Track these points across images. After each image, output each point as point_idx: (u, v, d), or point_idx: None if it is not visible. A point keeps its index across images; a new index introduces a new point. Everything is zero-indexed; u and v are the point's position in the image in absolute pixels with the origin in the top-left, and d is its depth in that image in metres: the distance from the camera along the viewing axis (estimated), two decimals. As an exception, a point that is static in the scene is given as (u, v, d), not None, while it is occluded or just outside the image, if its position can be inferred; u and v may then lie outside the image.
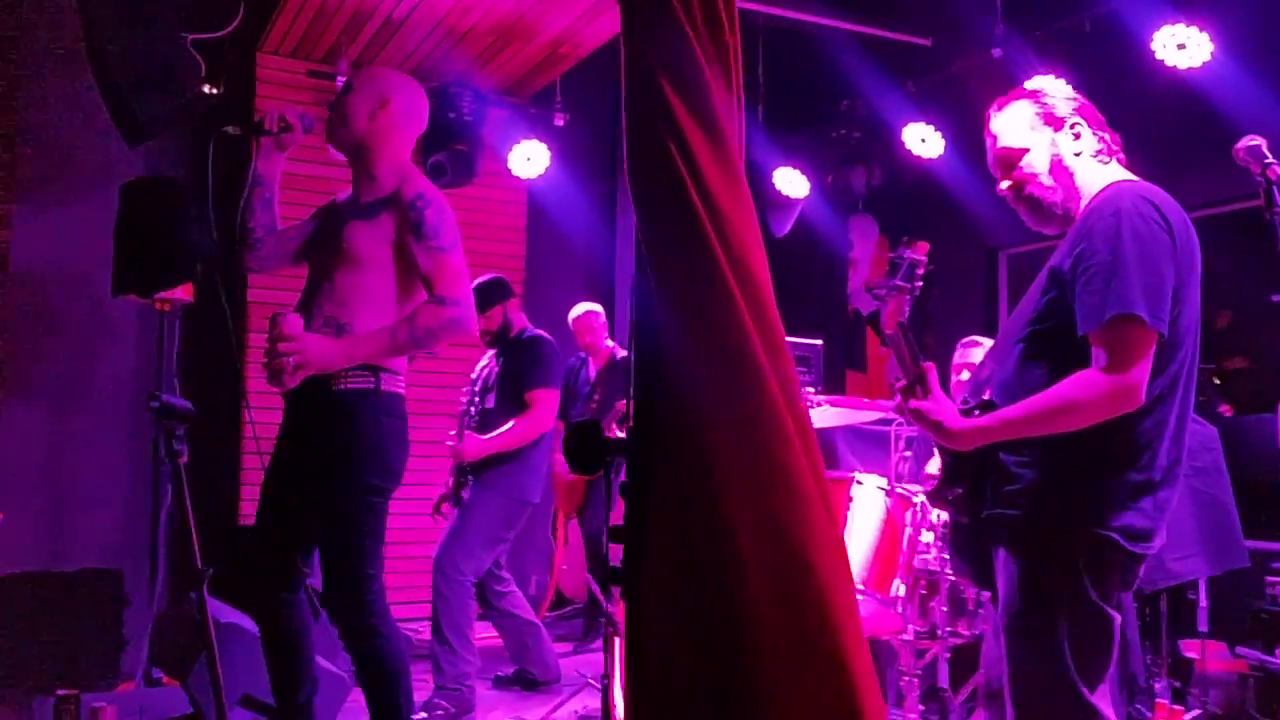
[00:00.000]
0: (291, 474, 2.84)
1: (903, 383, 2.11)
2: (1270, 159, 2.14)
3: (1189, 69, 4.58)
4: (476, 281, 4.31)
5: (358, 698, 3.62)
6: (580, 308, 5.69)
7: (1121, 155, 2.22)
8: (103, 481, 5.24)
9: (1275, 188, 2.12)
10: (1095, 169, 2.17)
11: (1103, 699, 2.01)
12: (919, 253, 2.11)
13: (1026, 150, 2.19)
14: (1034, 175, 2.19)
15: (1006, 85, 5.01)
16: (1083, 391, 1.94)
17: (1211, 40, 4.51)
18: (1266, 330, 5.05)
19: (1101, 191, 2.12)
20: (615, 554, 1.33)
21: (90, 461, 5.21)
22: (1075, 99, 2.24)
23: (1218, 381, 5.09)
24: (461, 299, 2.78)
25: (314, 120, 3.03)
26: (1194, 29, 4.52)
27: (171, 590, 4.24)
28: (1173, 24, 4.56)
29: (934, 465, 3.91)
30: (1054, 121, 2.19)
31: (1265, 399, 4.87)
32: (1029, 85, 2.32)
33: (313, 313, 2.82)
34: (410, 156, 3.06)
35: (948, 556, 3.31)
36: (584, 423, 1.31)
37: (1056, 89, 2.26)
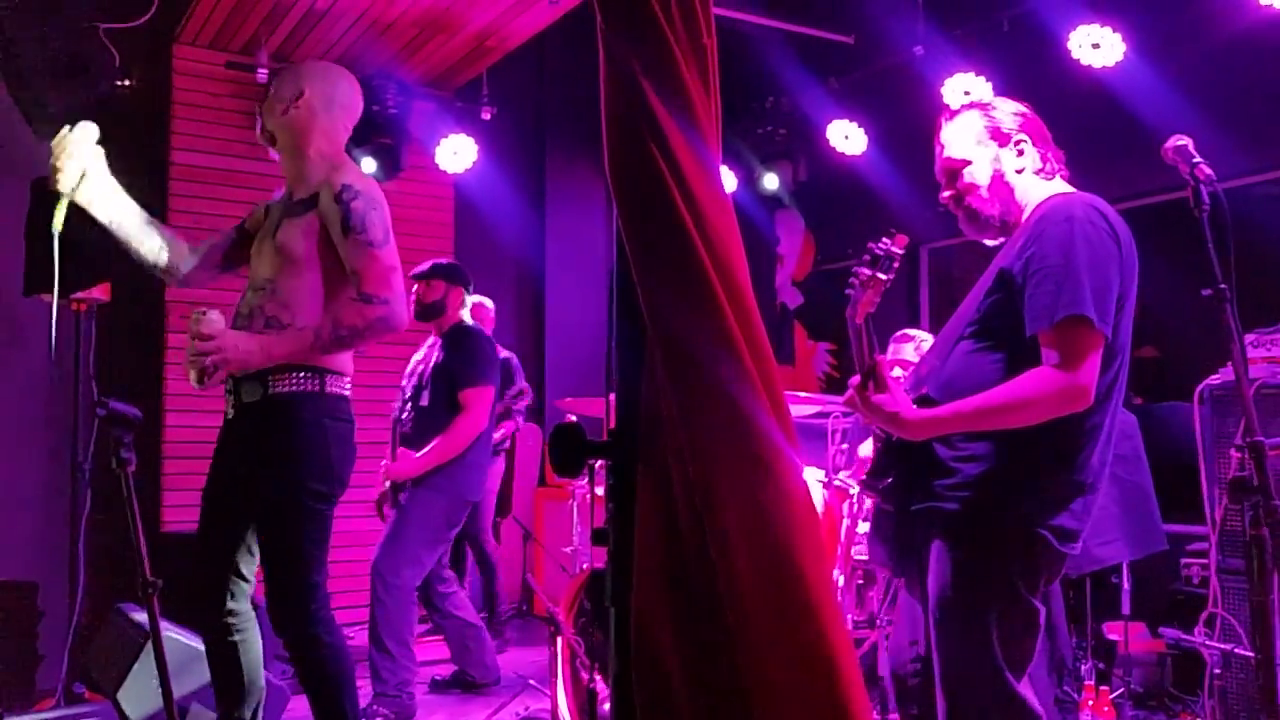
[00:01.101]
0: (233, 481, 2.77)
1: (857, 378, 2.14)
2: (1198, 158, 2.23)
3: (1103, 68, 4.75)
4: (433, 262, 4.29)
5: (297, 706, 3.56)
6: (471, 298, 5.66)
7: (1065, 171, 2.28)
8: (15, 489, 5.03)
9: (1203, 186, 2.21)
10: (1036, 184, 2.24)
11: (1026, 687, 2.09)
12: (898, 245, 2.15)
13: (969, 162, 2.24)
14: (974, 187, 2.24)
15: (927, 83, 5.17)
16: (1035, 389, 1.99)
17: (1124, 40, 4.68)
18: (1174, 322, 5.25)
19: (1049, 200, 2.18)
20: (599, 557, 1.33)
21: (1, 469, 5.00)
22: (1022, 115, 2.29)
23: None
24: (391, 296, 2.69)
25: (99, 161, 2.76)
26: (1108, 29, 4.69)
27: (93, 602, 4.09)
28: (1088, 24, 4.73)
29: (866, 448, 3.98)
30: (1000, 137, 2.24)
31: (1172, 388, 5.07)
32: (978, 100, 2.37)
33: (254, 315, 2.75)
34: (344, 148, 2.96)
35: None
36: (565, 425, 1.31)
37: (1005, 105, 2.30)
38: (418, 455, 4.07)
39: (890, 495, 2.22)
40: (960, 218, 2.30)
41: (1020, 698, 2.06)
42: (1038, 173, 2.24)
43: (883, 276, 2.14)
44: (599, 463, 1.35)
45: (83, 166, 2.72)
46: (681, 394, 1.26)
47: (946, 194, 2.29)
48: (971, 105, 2.32)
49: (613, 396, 1.34)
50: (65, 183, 2.72)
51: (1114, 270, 2.04)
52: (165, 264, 2.94)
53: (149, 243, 2.92)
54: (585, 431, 1.30)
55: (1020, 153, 2.24)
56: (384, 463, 4.15)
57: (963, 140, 2.26)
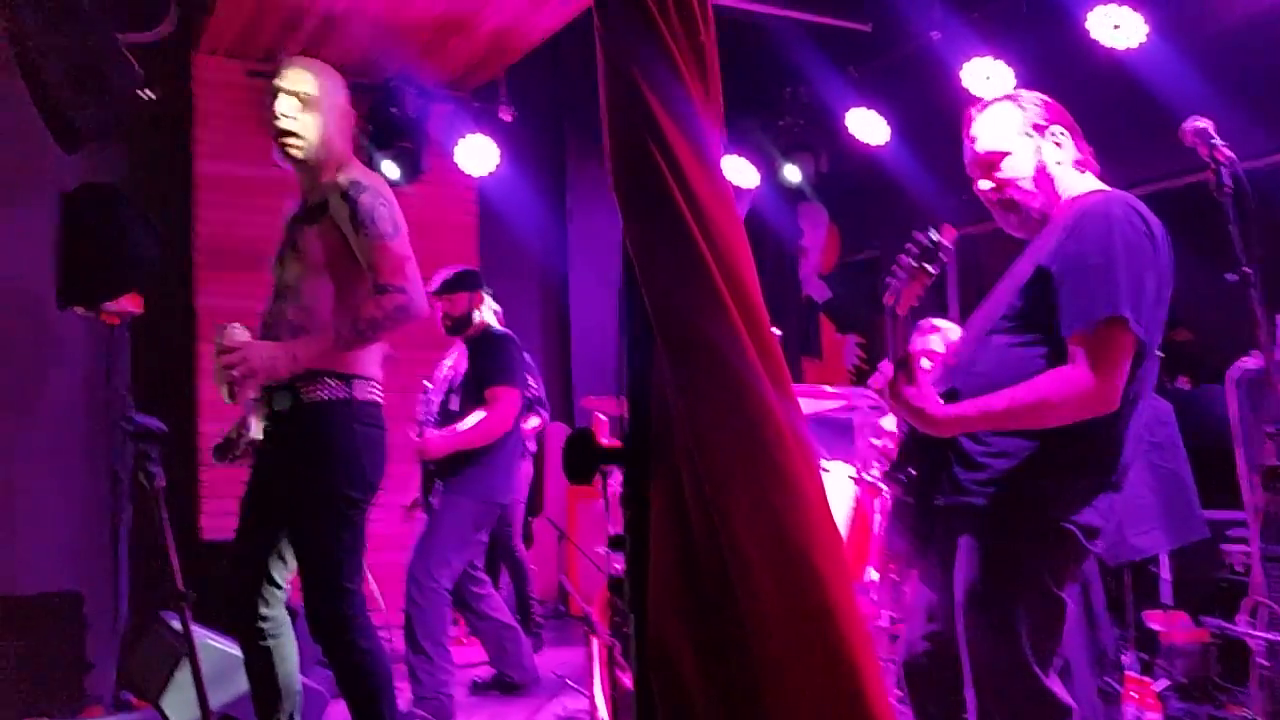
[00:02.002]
0: (268, 489, 2.79)
1: (888, 365, 2.12)
2: (1217, 140, 2.20)
3: (1125, 49, 4.66)
4: (450, 271, 4.30)
5: (335, 710, 3.59)
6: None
7: (1095, 166, 2.26)
8: (57, 501, 5.10)
9: (1223, 168, 2.17)
10: (1075, 177, 2.22)
11: (1055, 681, 2.09)
12: (946, 238, 2.11)
13: (1009, 154, 2.22)
14: (1015, 179, 2.22)
15: (947, 68, 5.11)
16: (1064, 390, 1.98)
17: (1145, 21, 4.60)
18: (1208, 303, 5.17)
19: (1087, 196, 2.17)
20: (617, 562, 1.32)
21: (42, 481, 5.07)
22: (1048, 104, 2.26)
23: (1160, 354, 5.21)
24: (406, 285, 2.70)
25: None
26: (1127, 9, 4.60)
27: (136, 611, 4.15)
28: (1107, 5, 4.64)
29: (889, 424, 3.93)
30: (1039, 128, 2.23)
31: (1208, 370, 4.99)
32: (1010, 92, 2.33)
33: (278, 323, 2.77)
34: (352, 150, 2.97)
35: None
36: (577, 432, 1.31)
37: (1030, 95, 2.28)
38: (447, 435, 4.10)
39: (913, 488, 2.20)
40: (997, 211, 2.27)
41: (1050, 692, 2.05)
42: (1075, 164, 2.23)
43: (930, 269, 2.10)
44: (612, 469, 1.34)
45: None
46: (689, 396, 1.26)
47: (985, 186, 2.26)
48: (1005, 97, 2.30)
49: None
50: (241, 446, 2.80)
51: (1151, 272, 2.03)
52: None
53: None
54: (596, 438, 1.30)
55: (1059, 144, 2.22)
56: (414, 436, 4.17)
57: (1002, 131, 2.24)
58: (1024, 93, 2.30)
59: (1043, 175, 2.21)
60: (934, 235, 2.10)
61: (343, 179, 2.77)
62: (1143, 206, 2.10)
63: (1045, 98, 2.28)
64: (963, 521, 2.11)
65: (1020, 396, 2.01)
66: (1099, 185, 2.22)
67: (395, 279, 2.69)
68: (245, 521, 2.84)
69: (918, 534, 2.25)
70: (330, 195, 2.77)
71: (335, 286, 2.77)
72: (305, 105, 2.85)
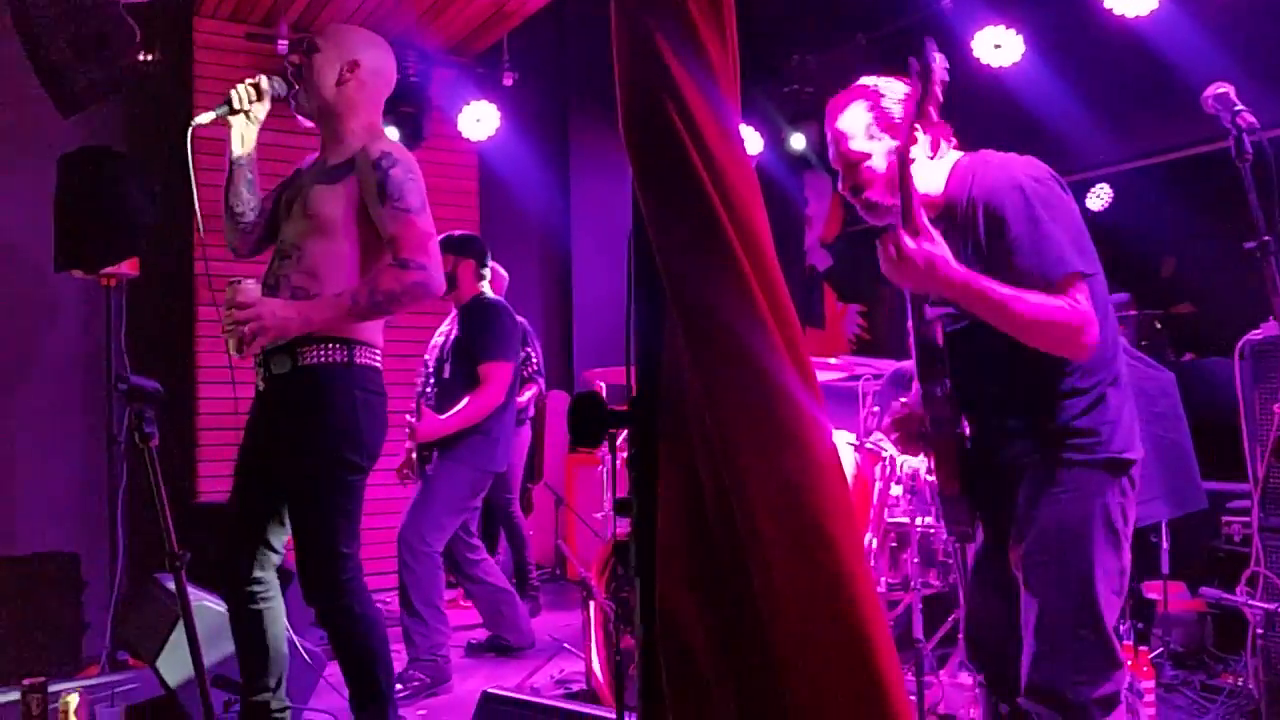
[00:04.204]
0: (265, 452, 2.77)
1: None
2: (1240, 106, 2.16)
3: (1137, 17, 4.61)
4: (443, 236, 4.27)
5: (333, 671, 3.60)
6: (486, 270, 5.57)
7: (952, 140, 2.20)
8: (54, 462, 5.10)
9: (1245, 134, 2.14)
10: (929, 167, 2.17)
11: (1113, 635, 2.06)
12: (933, 53, 2.02)
13: (868, 155, 2.17)
14: (874, 179, 2.17)
15: (957, 37, 5.05)
16: (1075, 319, 1.94)
17: (1159, -13, 4.55)
18: (1210, 276, 5.15)
19: (965, 171, 2.12)
20: (623, 527, 1.31)
21: (40, 442, 5.07)
22: (909, 97, 2.18)
23: (1159, 326, 5.17)
24: (427, 263, 2.68)
25: (284, 85, 2.92)
26: (1141, -24, 4.55)
27: (132, 572, 4.15)
28: (1120, -28, 4.58)
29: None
30: (891, 128, 2.16)
31: (1211, 343, 4.97)
32: (866, 84, 2.23)
33: (280, 284, 2.73)
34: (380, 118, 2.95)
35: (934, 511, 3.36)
36: (584, 394, 1.29)
37: (891, 89, 2.20)
38: (441, 417, 4.09)
39: (965, 445, 2.14)
40: (859, 207, 2.23)
41: (1113, 644, 2.03)
42: (932, 150, 2.16)
43: (937, 91, 1.98)
44: (620, 432, 1.32)
45: (256, 102, 2.90)
46: (704, 363, 1.24)
47: (844, 186, 2.22)
48: (856, 94, 2.22)
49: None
50: (236, 98, 2.89)
51: (1078, 216, 2.03)
52: (245, 223, 2.98)
53: (250, 198, 2.98)
54: (605, 400, 1.28)
55: (914, 140, 2.12)
56: (409, 418, 4.16)
57: (855, 135, 2.18)
58: (879, 84, 2.22)
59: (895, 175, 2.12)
60: (927, 58, 1.96)
61: (375, 149, 2.73)
62: (1022, 158, 2.07)
63: (904, 88, 2.18)
64: (1030, 473, 2.08)
65: (1032, 308, 1.94)
66: (957, 155, 2.17)
67: (417, 255, 2.67)
68: (240, 483, 2.82)
69: (977, 498, 2.20)
70: (358, 160, 2.73)
71: (347, 251, 2.73)
72: (357, 70, 2.84)
